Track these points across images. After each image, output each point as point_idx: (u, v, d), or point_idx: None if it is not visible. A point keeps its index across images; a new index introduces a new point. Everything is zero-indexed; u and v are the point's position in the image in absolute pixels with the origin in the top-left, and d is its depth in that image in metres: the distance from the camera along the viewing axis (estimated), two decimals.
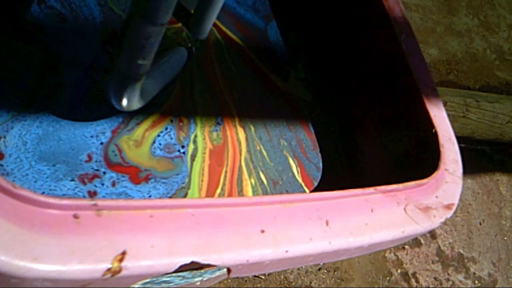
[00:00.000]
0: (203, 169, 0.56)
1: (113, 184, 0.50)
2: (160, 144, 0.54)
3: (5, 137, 0.46)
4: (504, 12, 1.77)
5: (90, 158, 0.50)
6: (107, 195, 0.49)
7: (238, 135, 0.60)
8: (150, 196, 0.51)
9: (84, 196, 0.48)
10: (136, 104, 0.47)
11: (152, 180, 0.52)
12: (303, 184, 0.62)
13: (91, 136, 0.51)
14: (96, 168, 0.50)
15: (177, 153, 0.55)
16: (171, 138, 0.55)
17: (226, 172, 0.57)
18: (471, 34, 1.64)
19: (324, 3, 0.73)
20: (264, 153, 0.61)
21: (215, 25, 0.66)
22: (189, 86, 0.60)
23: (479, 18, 1.70)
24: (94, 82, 0.54)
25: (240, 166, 0.58)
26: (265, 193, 0.59)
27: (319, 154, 0.66)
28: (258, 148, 0.60)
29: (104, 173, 0.50)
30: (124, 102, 0.45)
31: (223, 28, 0.67)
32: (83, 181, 0.49)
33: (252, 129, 0.61)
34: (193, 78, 0.61)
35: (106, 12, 0.58)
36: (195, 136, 0.57)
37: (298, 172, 0.62)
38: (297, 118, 0.67)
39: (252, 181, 0.58)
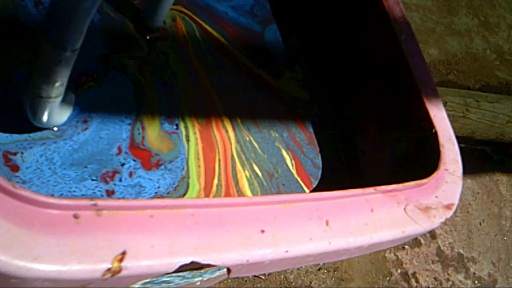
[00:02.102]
0: (198, 153, 0.56)
1: (130, 175, 0.51)
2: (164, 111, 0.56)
3: (22, 153, 0.46)
4: (504, 12, 1.77)
5: (119, 150, 0.51)
6: (124, 188, 0.50)
7: (223, 122, 0.60)
8: (159, 187, 0.52)
9: (102, 195, 0.48)
10: (59, 120, 0.46)
11: (162, 167, 0.53)
12: (299, 178, 0.62)
13: (125, 117, 0.53)
14: (121, 161, 0.51)
15: (174, 127, 0.57)
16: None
17: (219, 160, 0.57)
18: (471, 34, 1.64)
19: (324, 3, 0.73)
20: (255, 144, 0.61)
21: (203, 27, 0.67)
22: (171, 77, 0.61)
23: (479, 18, 1.70)
24: (112, 82, 0.55)
25: (232, 156, 0.58)
26: (261, 185, 0.59)
27: (317, 150, 0.66)
28: (248, 138, 0.61)
29: (123, 164, 0.51)
30: (44, 119, 0.44)
31: (215, 31, 0.67)
32: (105, 180, 0.49)
33: (239, 120, 0.62)
34: (177, 72, 0.62)
35: (103, 15, 0.59)
36: (182, 113, 0.58)
37: (292, 165, 0.63)
38: (290, 114, 0.67)
39: (247, 173, 0.58)
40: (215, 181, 0.56)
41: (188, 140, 0.56)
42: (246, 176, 0.58)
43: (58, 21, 0.34)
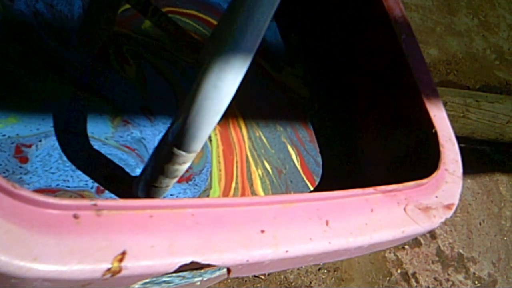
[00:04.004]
0: (219, 156, 0.57)
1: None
2: None
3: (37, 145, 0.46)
4: (504, 12, 1.77)
5: None
6: None
7: (237, 119, 0.61)
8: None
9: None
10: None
11: (191, 182, 0.54)
12: (304, 176, 0.62)
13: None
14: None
15: None
16: None
17: (237, 162, 0.58)
18: (471, 34, 1.64)
19: (324, 3, 0.73)
20: (264, 139, 0.61)
21: (203, 19, 0.67)
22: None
23: (479, 18, 1.70)
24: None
25: (247, 156, 0.59)
26: (272, 183, 0.59)
27: (318, 149, 0.66)
28: (258, 134, 0.61)
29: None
30: None
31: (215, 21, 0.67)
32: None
33: (249, 115, 0.62)
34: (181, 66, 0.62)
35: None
36: None
37: (298, 161, 0.63)
38: (292, 109, 0.68)
39: (259, 171, 0.59)
40: (233, 184, 0.56)
41: (210, 141, 0.57)
42: (259, 175, 0.58)
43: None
